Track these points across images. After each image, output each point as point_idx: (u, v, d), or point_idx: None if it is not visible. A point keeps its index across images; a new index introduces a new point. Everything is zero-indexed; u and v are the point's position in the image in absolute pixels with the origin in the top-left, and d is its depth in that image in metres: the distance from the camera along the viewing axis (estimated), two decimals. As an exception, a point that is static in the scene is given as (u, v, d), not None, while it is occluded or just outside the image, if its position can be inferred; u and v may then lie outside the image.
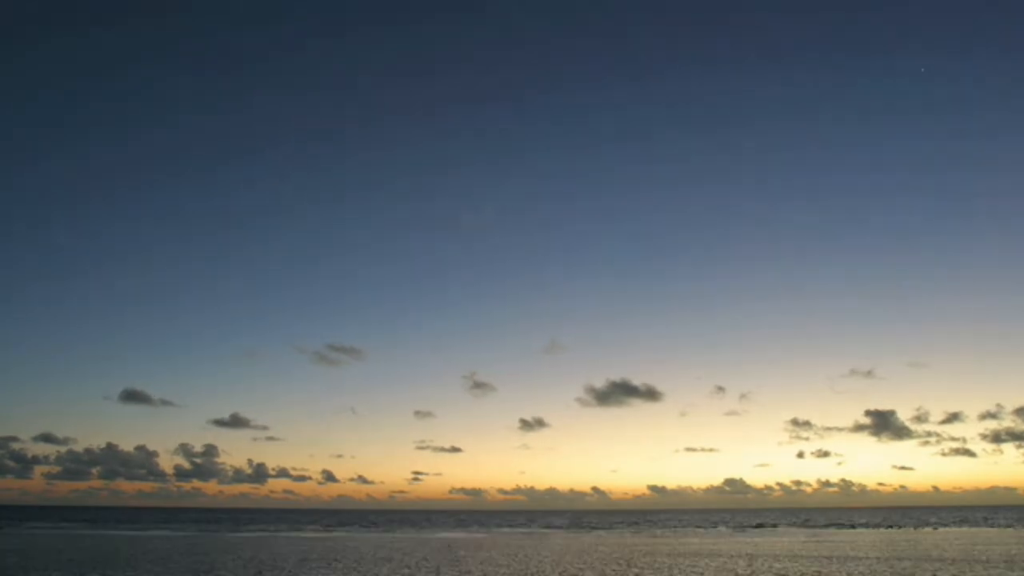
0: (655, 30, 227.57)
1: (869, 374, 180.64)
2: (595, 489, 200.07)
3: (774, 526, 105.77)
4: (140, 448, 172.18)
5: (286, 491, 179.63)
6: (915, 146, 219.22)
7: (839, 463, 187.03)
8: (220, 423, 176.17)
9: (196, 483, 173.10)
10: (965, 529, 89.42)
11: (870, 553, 48.16)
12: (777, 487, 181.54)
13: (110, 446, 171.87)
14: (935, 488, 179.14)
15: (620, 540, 68.98)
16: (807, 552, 50.08)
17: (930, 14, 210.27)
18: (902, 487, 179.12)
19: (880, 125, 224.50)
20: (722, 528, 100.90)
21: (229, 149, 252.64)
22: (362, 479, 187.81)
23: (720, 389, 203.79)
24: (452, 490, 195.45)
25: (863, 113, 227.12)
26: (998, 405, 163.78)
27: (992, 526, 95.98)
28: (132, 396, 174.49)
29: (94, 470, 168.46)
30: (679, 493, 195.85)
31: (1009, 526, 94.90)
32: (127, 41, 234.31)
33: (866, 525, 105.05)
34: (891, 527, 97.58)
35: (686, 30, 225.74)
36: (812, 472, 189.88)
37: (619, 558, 45.47)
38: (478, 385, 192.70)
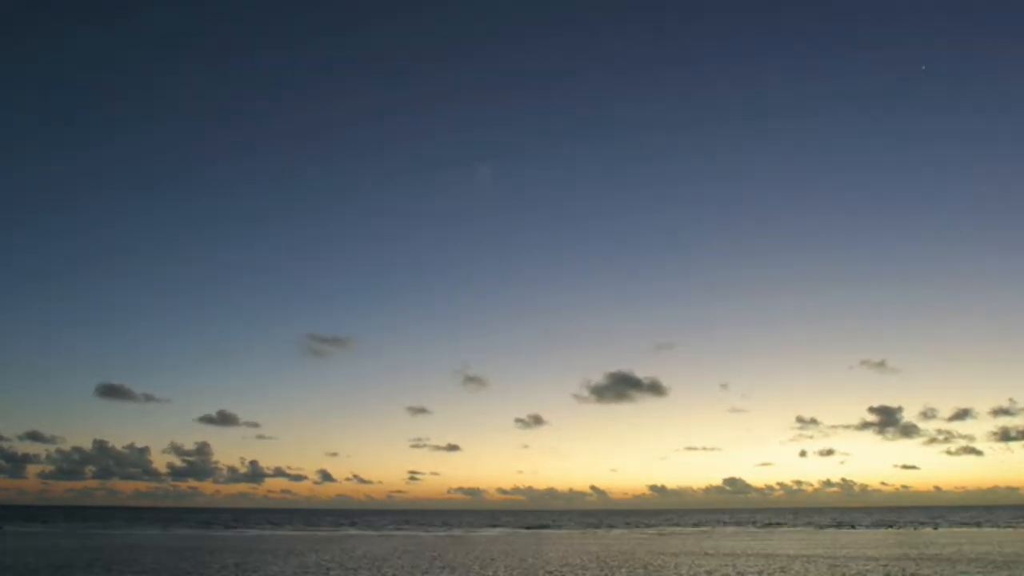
0: (656, 27, 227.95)
1: (881, 365, 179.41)
2: (594, 488, 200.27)
3: (775, 525, 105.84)
4: (131, 447, 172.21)
5: (284, 491, 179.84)
6: (918, 142, 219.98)
7: (842, 462, 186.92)
8: (209, 420, 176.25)
9: (192, 482, 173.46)
10: (965, 529, 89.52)
11: (870, 553, 48.25)
12: (778, 487, 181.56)
13: (100, 444, 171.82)
14: (937, 488, 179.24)
15: (628, 539, 69.06)
16: (809, 552, 50.16)
17: (931, 11, 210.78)
18: (904, 487, 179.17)
19: (881, 122, 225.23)
20: (722, 528, 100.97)
21: (213, 147, 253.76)
22: (359, 479, 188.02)
23: (723, 386, 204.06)
24: (450, 490, 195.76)
25: (863, 110, 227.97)
26: (1011, 400, 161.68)
27: (994, 526, 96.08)
28: (112, 391, 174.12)
29: (87, 469, 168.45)
30: (679, 493, 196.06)
31: (1008, 526, 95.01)
32: (126, 39, 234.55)
33: (866, 525, 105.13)
34: (891, 527, 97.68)
35: (688, 27, 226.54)
36: (815, 471, 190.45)
37: (633, 558, 45.58)
38: (472, 380, 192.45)
